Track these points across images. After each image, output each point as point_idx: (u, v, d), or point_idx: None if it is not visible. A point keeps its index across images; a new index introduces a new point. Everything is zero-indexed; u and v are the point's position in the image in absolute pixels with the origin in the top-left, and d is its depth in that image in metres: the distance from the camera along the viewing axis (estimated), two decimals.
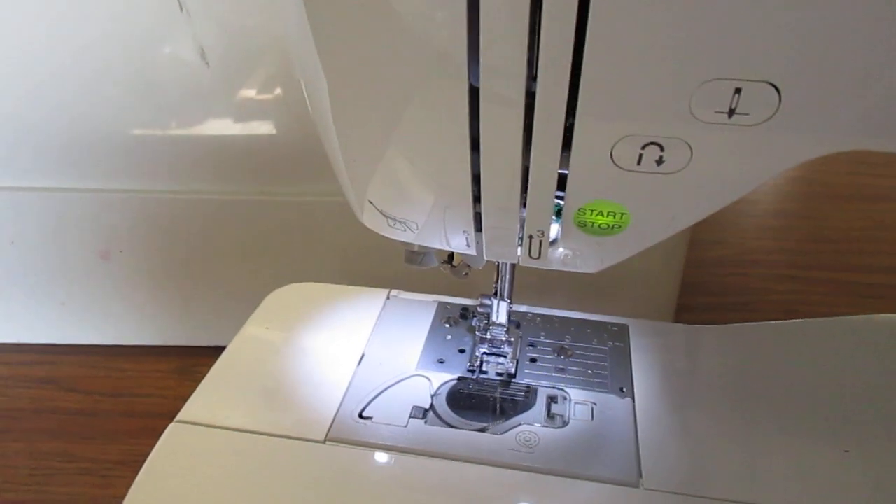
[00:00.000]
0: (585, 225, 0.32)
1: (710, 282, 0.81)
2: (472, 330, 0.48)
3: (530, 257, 0.33)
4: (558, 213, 0.32)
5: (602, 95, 0.26)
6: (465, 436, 0.40)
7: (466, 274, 0.42)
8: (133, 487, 0.37)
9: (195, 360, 0.68)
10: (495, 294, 0.46)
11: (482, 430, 0.41)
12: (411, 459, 0.39)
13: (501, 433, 0.40)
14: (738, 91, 0.25)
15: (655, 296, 0.66)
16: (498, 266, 0.44)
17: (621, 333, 0.49)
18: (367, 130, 0.31)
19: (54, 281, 0.65)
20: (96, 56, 0.53)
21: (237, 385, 0.43)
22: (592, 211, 0.31)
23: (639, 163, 0.28)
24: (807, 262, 0.84)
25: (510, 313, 0.46)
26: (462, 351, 0.47)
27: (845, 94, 0.25)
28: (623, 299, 0.64)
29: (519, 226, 0.33)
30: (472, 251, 0.36)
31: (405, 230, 0.36)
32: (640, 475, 0.38)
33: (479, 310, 0.47)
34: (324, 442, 0.39)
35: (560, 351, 0.47)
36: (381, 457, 0.39)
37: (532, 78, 0.26)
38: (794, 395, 0.44)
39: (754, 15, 0.23)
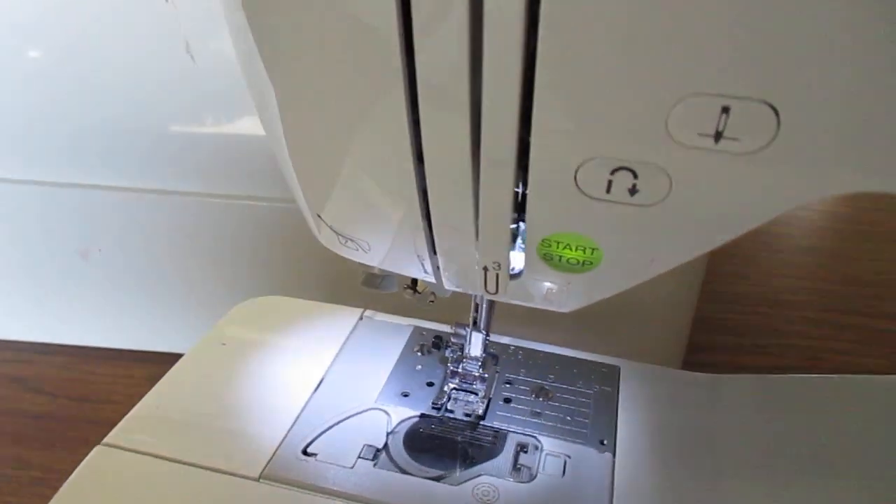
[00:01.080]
0: (552, 259, 0.27)
1: (728, 319, 0.75)
2: (444, 361, 0.44)
3: (487, 291, 0.29)
4: (523, 241, 0.27)
5: (559, 106, 0.21)
6: (417, 484, 0.36)
7: (432, 301, 0.37)
8: None
9: (170, 368, 0.64)
10: (473, 323, 0.41)
11: (437, 479, 0.36)
12: None
13: (458, 484, 0.36)
14: (725, 110, 0.20)
15: (665, 331, 0.60)
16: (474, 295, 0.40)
17: (610, 376, 0.44)
18: (314, 141, 0.27)
19: (32, 277, 0.62)
20: (79, 50, 0.51)
21: (177, 408, 0.39)
22: (559, 244, 0.26)
23: (608, 191, 0.23)
24: (837, 306, 0.78)
25: (487, 345, 0.42)
26: (430, 384, 0.43)
27: (863, 121, 0.20)
28: (629, 333, 0.59)
29: (478, 253, 0.28)
30: (432, 278, 0.32)
31: (357, 250, 0.32)
32: None
33: (453, 340, 0.42)
34: (258, 480, 0.35)
35: (539, 392, 0.43)
36: (316, 502, 0.34)
37: (477, 81, 0.21)
38: (816, 466, 0.38)
39: (748, 14, 0.18)
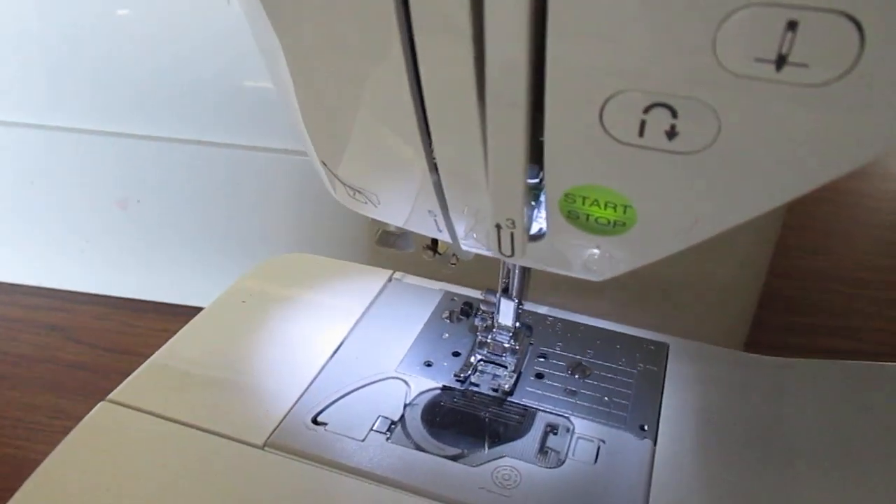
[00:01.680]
0: (577, 218, 0.23)
1: (802, 297, 0.68)
2: (473, 330, 0.40)
3: (503, 253, 0.25)
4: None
5: (577, 26, 0.17)
6: (431, 462, 0.33)
7: (453, 264, 0.34)
8: (45, 462, 0.32)
9: None
10: (503, 290, 0.37)
11: (454, 458, 0.33)
12: (355, 483, 0.31)
13: (476, 465, 0.33)
14: (791, 27, 0.15)
15: (725, 309, 0.55)
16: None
17: (658, 354, 0.40)
18: (318, 87, 0.24)
19: (75, 226, 0.62)
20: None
21: (187, 367, 0.38)
22: (584, 199, 0.22)
23: (641, 134, 0.19)
24: None
25: (520, 314, 0.38)
26: (456, 354, 0.39)
27: None
28: (683, 310, 0.54)
29: (490, 208, 0.24)
30: (446, 237, 0.28)
31: (367, 203, 0.29)
32: None
33: (483, 307, 0.39)
34: (262, 447, 0.33)
35: (575, 368, 0.39)
36: (321, 475, 0.32)
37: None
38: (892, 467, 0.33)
39: None
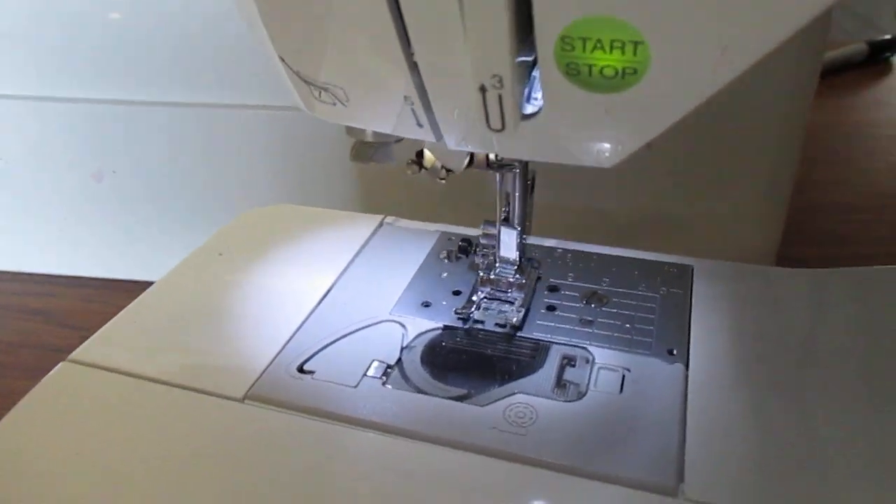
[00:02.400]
0: (578, 73, 0.19)
1: (826, 229, 0.64)
2: (475, 268, 0.36)
3: (490, 128, 0.21)
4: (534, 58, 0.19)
5: None
6: (434, 405, 0.29)
7: (443, 179, 0.30)
8: None
9: None
10: (505, 220, 0.34)
11: (460, 399, 0.29)
12: (348, 432, 0.28)
13: (485, 404, 0.29)
14: None
15: (748, 244, 0.51)
16: (501, 177, 0.32)
17: (681, 277, 0.36)
18: None
19: (49, 205, 0.58)
20: None
21: (157, 323, 0.34)
22: (586, 42, 0.18)
23: None
24: None
25: (524, 248, 0.34)
26: (457, 293, 0.35)
27: None
28: (703, 246, 0.50)
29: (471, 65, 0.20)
30: (428, 134, 0.24)
31: (334, 103, 0.25)
32: (682, 479, 0.25)
33: (482, 240, 0.35)
34: (242, 400, 0.29)
35: (591, 297, 0.35)
36: (309, 425, 0.28)
37: None
38: None
39: None
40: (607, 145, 0.22)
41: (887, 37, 0.87)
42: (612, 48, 0.18)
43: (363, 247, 0.39)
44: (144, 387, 0.30)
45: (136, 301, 0.35)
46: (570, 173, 0.41)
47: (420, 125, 0.24)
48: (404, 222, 0.41)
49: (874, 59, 0.86)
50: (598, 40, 0.18)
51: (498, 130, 0.21)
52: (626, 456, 0.26)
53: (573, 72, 0.19)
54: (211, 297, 0.35)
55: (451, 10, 0.18)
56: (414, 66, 0.21)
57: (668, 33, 0.17)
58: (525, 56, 0.20)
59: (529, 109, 0.22)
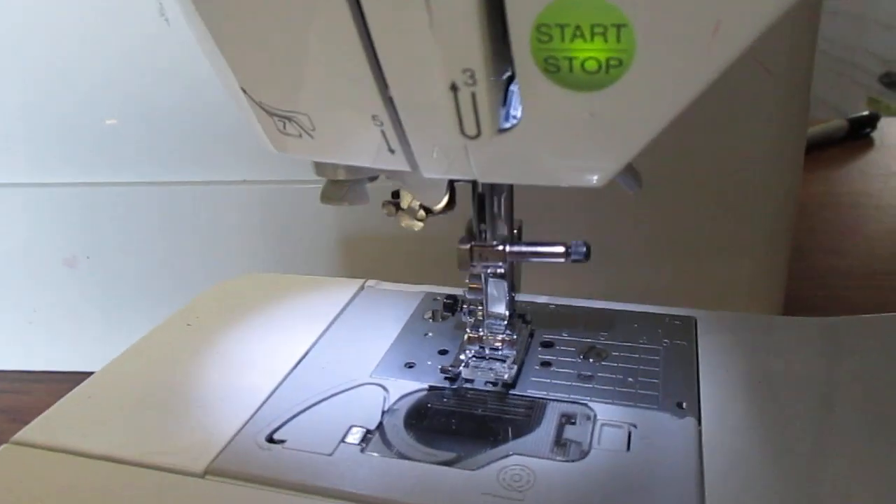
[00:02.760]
0: (558, 69, 0.18)
1: (826, 296, 0.62)
2: (462, 327, 0.34)
3: (464, 134, 0.19)
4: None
5: None
6: (419, 471, 0.25)
7: (421, 220, 0.28)
8: None
9: None
10: (494, 274, 0.31)
11: (448, 464, 0.26)
12: None
13: (476, 468, 0.25)
14: None
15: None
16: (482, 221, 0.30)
17: (685, 329, 0.33)
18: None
19: (19, 294, 0.55)
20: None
21: (114, 398, 0.31)
22: (563, 29, 0.17)
23: None
24: None
25: (513, 302, 0.32)
26: (443, 353, 0.33)
27: None
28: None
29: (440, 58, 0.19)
30: (402, 161, 0.22)
31: (300, 135, 0.23)
32: None
33: (468, 295, 0.32)
34: (202, 476, 0.26)
35: (589, 352, 0.32)
36: (277, 499, 0.24)
37: None
38: None
39: None
40: (594, 161, 0.20)
41: (865, 113, 0.89)
42: (593, 35, 0.17)
43: (343, 310, 0.37)
44: (92, 466, 0.27)
45: (88, 379, 0.32)
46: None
47: (392, 150, 0.22)
48: (387, 285, 0.39)
49: (854, 136, 0.88)
50: (578, 26, 0.17)
51: (473, 137, 0.19)
52: None
53: (552, 68, 0.18)
54: (174, 369, 0.32)
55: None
56: (380, 76, 0.19)
57: (654, 10, 0.16)
58: (500, 65, 0.19)
59: (508, 125, 0.20)
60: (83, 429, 0.28)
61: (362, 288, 0.39)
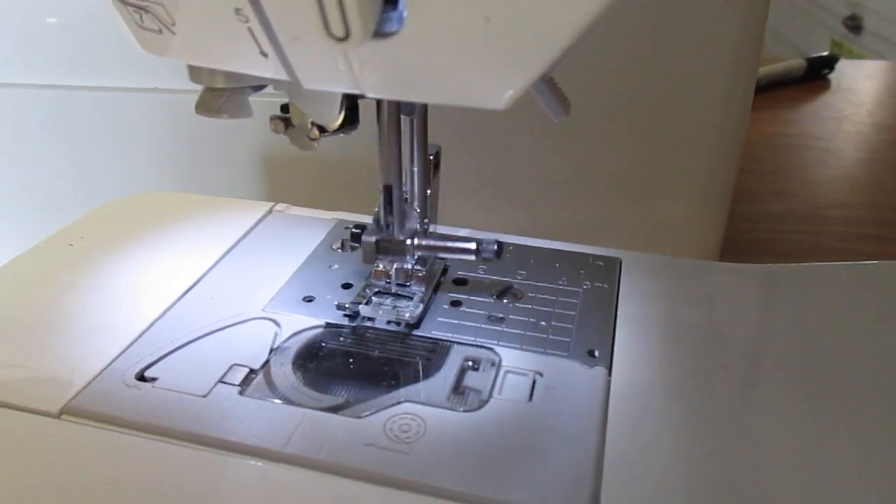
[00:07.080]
0: None
1: (767, 240, 0.61)
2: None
3: (330, 34, 0.16)
4: None
5: None
6: (299, 417, 0.23)
7: (313, 139, 0.24)
8: None
9: None
10: (405, 199, 0.28)
11: (333, 410, 0.24)
12: (186, 451, 0.22)
13: (363, 415, 0.23)
14: None
15: (685, 253, 0.47)
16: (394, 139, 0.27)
17: (608, 271, 0.31)
18: None
19: None
20: None
21: None
22: None
23: None
24: None
25: (427, 232, 0.29)
26: (347, 286, 0.30)
27: None
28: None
29: None
30: (278, 67, 0.19)
31: (160, 29, 0.20)
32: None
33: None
34: (58, 416, 0.23)
35: (503, 292, 0.30)
36: (138, 444, 0.22)
37: None
38: (881, 373, 0.25)
39: None
40: (494, 77, 0.17)
41: (825, 53, 0.87)
42: None
43: (245, 236, 0.33)
44: None
45: None
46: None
47: (264, 53, 0.19)
48: (297, 210, 0.36)
49: (812, 76, 0.86)
50: None
51: (341, 39, 0.16)
52: (531, 478, 0.21)
53: None
54: (45, 294, 0.29)
55: None
56: None
57: None
58: None
59: (393, 29, 0.17)
60: None
61: (270, 212, 0.36)
